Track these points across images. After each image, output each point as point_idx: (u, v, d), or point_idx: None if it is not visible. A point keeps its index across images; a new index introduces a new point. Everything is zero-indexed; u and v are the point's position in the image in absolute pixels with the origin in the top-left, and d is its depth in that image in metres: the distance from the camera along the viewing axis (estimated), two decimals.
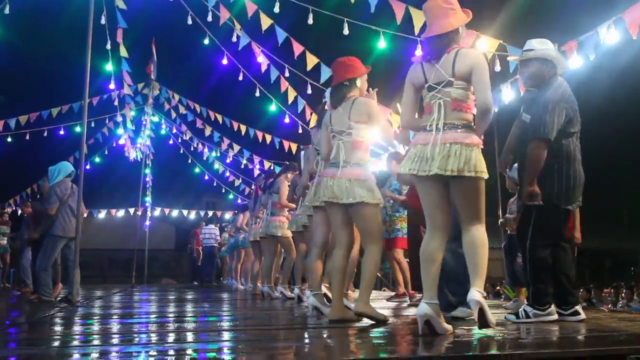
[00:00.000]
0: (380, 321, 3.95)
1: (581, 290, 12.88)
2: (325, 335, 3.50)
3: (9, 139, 14.25)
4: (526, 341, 3.13)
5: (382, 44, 7.31)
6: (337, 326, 3.83)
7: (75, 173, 7.21)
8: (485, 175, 3.27)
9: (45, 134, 14.59)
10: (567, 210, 4.14)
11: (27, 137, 14.35)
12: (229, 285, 12.00)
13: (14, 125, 13.66)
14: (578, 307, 4.09)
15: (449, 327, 3.28)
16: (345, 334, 3.51)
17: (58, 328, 4.16)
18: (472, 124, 3.33)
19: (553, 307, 3.98)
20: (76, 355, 2.72)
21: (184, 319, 4.83)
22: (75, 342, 3.28)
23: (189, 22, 9.56)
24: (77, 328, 4.17)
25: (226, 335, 3.64)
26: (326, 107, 4.91)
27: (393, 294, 7.84)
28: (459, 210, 3.35)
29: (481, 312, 3.12)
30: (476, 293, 3.15)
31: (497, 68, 6.64)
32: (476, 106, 3.34)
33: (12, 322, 4.49)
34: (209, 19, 9.18)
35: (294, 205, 6.93)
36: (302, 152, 6.68)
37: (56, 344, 3.22)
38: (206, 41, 9.86)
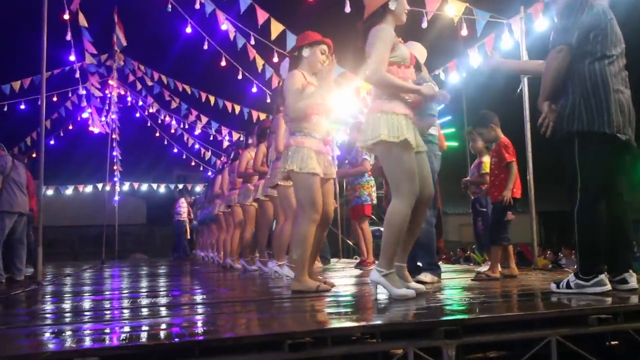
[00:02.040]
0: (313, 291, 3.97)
1: (548, 252, 13.19)
2: (285, 306, 3.51)
3: None
4: (486, 306, 3.18)
5: (347, 9, 7.21)
6: (297, 297, 3.84)
7: (3, 145, 7.07)
8: (382, 140, 3.28)
9: (6, 109, 14.17)
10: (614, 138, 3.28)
11: None
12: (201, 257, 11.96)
13: None
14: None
15: (404, 292, 3.33)
16: (304, 305, 3.52)
17: (22, 307, 4.08)
18: (382, 92, 3.42)
19: (603, 277, 3.30)
20: (47, 335, 2.66)
21: (155, 293, 4.79)
22: (41, 321, 3.22)
23: None
24: (44, 306, 4.09)
25: (199, 310, 3.62)
26: None
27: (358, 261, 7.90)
28: None
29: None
30: (374, 273, 3.38)
31: (464, 32, 6.62)
32: None
33: None
34: None
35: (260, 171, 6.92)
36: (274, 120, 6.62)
37: (20, 323, 3.16)
38: (169, 7, 9.59)
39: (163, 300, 4.11)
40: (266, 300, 3.91)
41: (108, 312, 3.56)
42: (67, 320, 3.22)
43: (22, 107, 14.14)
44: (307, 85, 4.15)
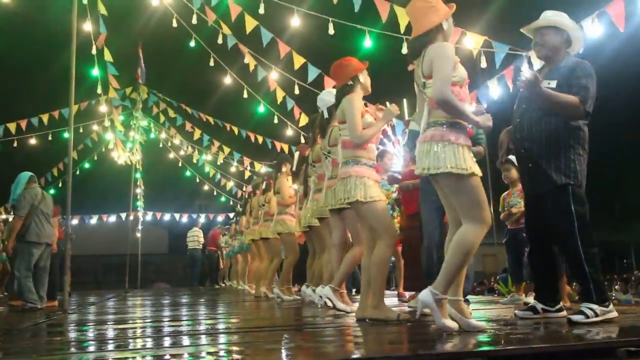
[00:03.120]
0: (393, 321, 3.90)
1: (574, 283, 12.94)
2: (326, 334, 3.51)
3: None
4: (514, 337, 3.15)
5: (367, 42, 7.33)
6: (342, 325, 3.84)
7: (36, 177, 7.26)
8: (463, 172, 3.15)
9: (34, 141, 14.51)
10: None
11: (15, 145, 14.28)
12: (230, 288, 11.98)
13: (3, 133, 13.58)
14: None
15: (449, 323, 3.16)
16: (346, 332, 3.52)
17: (50, 335, 4.14)
18: (450, 119, 3.24)
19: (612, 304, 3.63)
20: None
21: (179, 322, 4.82)
22: (67, 350, 3.26)
23: (174, 25, 9.54)
24: (70, 335, 4.15)
25: (223, 338, 3.63)
26: (325, 114, 5.01)
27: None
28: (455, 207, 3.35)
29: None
30: (426, 293, 3.16)
31: (483, 64, 6.67)
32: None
33: (1, 332, 4.46)
34: (194, 21, 9.18)
35: (294, 200, 6.99)
36: (296, 154, 6.72)
37: (48, 351, 3.21)
38: (192, 44, 9.86)
39: (185, 329, 4.13)
40: (299, 326, 3.92)
41: (131, 340, 3.60)
42: (92, 349, 3.26)
43: (50, 138, 14.48)
44: (364, 112, 4.18)
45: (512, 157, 5.86)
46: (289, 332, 3.76)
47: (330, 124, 5.04)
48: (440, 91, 3.14)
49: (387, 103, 4.50)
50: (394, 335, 3.34)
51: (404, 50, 6.26)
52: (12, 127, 13.63)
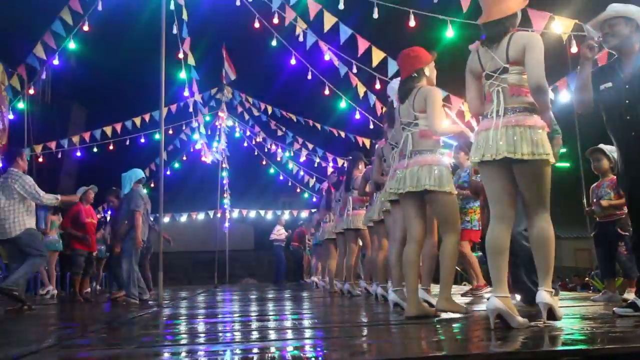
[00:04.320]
0: (462, 314, 3.89)
1: None
2: (396, 332, 3.47)
3: (95, 149, 15.02)
4: (612, 336, 2.98)
5: (449, 33, 7.17)
6: (413, 323, 3.79)
7: (145, 179, 7.55)
8: (552, 159, 3.19)
9: (128, 143, 15.26)
10: None
11: (111, 147, 15.08)
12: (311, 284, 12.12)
13: (100, 136, 14.39)
14: None
15: (524, 320, 3.17)
16: (420, 330, 3.46)
17: (146, 329, 4.34)
18: (534, 107, 3.24)
19: None
20: (166, 355, 2.83)
21: (266, 317, 4.92)
22: (162, 342, 3.41)
23: (257, 25, 9.74)
24: (164, 328, 4.34)
25: (308, 333, 3.67)
26: (395, 103, 4.94)
27: (468, 288, 7.68)
28: (525, 197, 3.28)
29: (550, 312, 3.14)
30: (545, 294, 3.12)
31: (574, 49, 6.36)
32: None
33: (103, 324, 4.73)
34: (275, 20, 9.33)
35: (367, 197, 6.95)
36: (377, 146, 6.66)
37: (144, 343, 3.36)
38: (274, 43, 10.02)
39: (272, 324, 4.21)
40: (375, 324, 3.91)
41: (221, 334, 3.71)
42: (184, 341, 3.39)
43: (142, 140, 15.19)
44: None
45: (603, 146, 5.55)
46: (371, 328, 3.75)
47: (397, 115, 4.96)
48: (539, 77, 3.14)
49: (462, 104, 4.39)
50: (483, 331, 3.26)
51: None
52: (108, 130, 14.42)
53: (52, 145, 14.12)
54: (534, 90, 3.18)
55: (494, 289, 3.24)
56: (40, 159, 13.87)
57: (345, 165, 8.87)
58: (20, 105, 11.79)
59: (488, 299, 3.32)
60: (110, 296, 8.16)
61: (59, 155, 15.15)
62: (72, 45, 10.09)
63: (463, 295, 7.13)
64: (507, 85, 3.25)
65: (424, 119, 4.06)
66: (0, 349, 3.11)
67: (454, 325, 3.62)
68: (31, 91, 11.17)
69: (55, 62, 10.38)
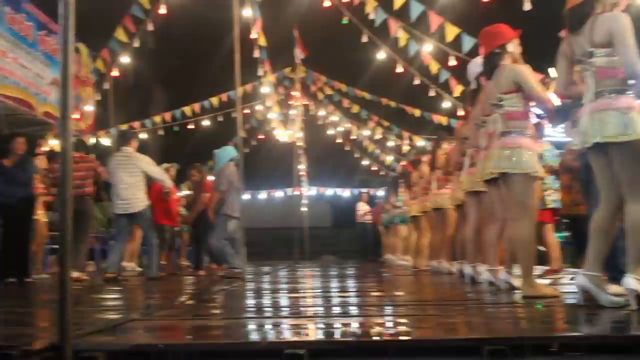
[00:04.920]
0: (551, 298, 3.73)
1: None
2: (490, 311, 3.38)
3: (176, 129, 15.51)
4: None
5: (527, 6, 6.82)
6: (503, 303, 3.68)
7: (237, 158, 7.63)
8: None
9: (206, 123, 15.67)
10: None
11: (191, 127, 15.52)
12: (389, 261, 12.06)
13: (180, 116, 14.85)
14: None
15: (616, 299, 3.03)
16: (508, 310, 3.36)
17: (231, 301, 4.45)
18: (625, 87, 3.08)
19: None
20: (251, 326, 2.88)
21: (346, 293, 4.93)
22: (246, 314, 3.48)
23: (327, 3, 9.65)
24: (247, 301, 4.44)
25: (390, 310, 3.64)
26: (475, 81, 4.80)
27: (546, 269, 7.34)
28: (619, 180, 3.11)
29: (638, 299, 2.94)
30: (633, 281, 2.95)
31: None
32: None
33: (190, 296, 4.89)
34: None
35: (454, 177, 6.79)
36: (456, 127, 6.46)
37: (230, 315, 3.44)
38: (345, 19, 9.92)
39: (354, 300, 4.21)
40: (463, 303, 3.82)
41: (303, 308, 3.74)
42: (269, 314, 3.45)
43: (220, 119, 15.54)
44: None
45: None
46: (454, 307, 3.67)
47: (480, 94, 4.77)
48: (634, 62, 3.01)
49: (550, 71, 4.18)
50: (571, 313, 3.11)
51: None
52: (187, 110, 14.85)
53: (136, 124, 14.69)
54: (630, 75, 3.06)
55: (586, 266, 3.18)
56: None
57: (420, 143, 8.74)
58: (105, 86, 12.31)
59: (573, 278, 3.21)
60: (195, 270, 8.41)
61: (142, 135, 15.76)
62: (150, 26, 10.35)
63: (540, 277, 6.87)
64: (596, 68, 3.13)
65: (509, 99, 3.92)
66: (94, 319, 3.26)
67: (543, 306, 3.48)
68: (115, 73, 11.59)
69: (136, 44, 10.71)
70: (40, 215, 7.77)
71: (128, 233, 7.48)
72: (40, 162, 7.85)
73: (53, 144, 11.08)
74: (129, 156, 7.06)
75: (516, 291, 4.04)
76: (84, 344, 2.22)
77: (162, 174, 7.44)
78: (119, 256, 7.09)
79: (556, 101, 3.90)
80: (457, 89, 10.01)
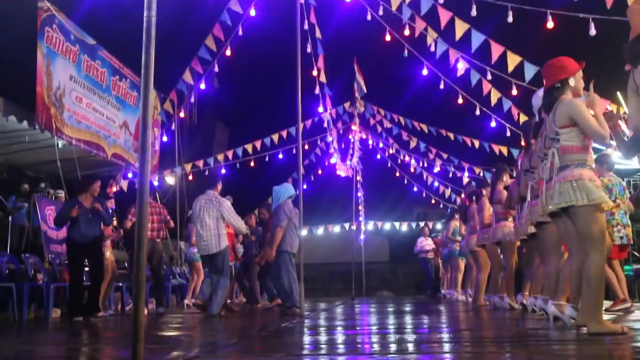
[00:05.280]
0: (619, 335, 3.63)
1: None
2: (561, 348, 3.32)
3: (237, 166, 15.92)
4: None
5: (592, 31, 6.76)
6: (565, 340, 3.61)
7: (295, 195, 7.80)
8: None
9: (267, 159, 16.01)
10: None
11: (252, 164, 15.90)
12: (449, 296, 11.87)
13: (241, 154, 15.25)
14: None
15: None
16: (575, 347, 3.29)
17: (290, 338, 4.54)
18: None
19: None
20: None
21: (404, 330, 4.93)
22: (305, 351, 3.55)
23: (387, 37, 9.82)
24: (306, 338, 4.51)
25: (447, 347, 3.64)
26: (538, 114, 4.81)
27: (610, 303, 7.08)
28: None
29: None
30: None
31: None
32: None
33: (252, 332, 5.01)
34: (406, 32, 9.34)
35: (513, 212, 6.71)
36: (519, 161, 6.42)
37: (290, 352, 3.52)
38: (406, 53, 10.05)
39: (410, 337, 4.21)
40: (526, 340, 3.77)
41: (359, 345, 3.78)
42: (324, 352, 3.51)
43: (280, 156, 15.85)
44: None
45: None
46: (516, 344, 3.63)
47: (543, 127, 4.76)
48: None
49: (592, 86, 4.12)
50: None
51: None
52: (249, 147, 15.25)
53: (200, 163, 15.17)
54: None
55: None
56: (190, 177, 14.97)
57: (481, 174, 8.62)
58: (172, 127, 12.84)
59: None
60: (253, 306, 8.56)
61: (206, 172, 16.24)
62: (216, 69, 10.82)
63: (607, 310, 6.64)
64: None
65: (565, 134, 3.92)
66: (157, 354, 3.41)
67: (613, 343, 3.40)
68: (181, 114, 12.10)
69: (202, 86, 11.19)
70: (109, 254, 8.17)
71: (213, 271, 7.62)
72: (109, 203, 8.29)
73: (122, 184, 11.64)
74: (212, 199, 7.42)
75: (582, 327, 3.95)
76: None
77: (239, 222, 7.71)
78: (219, 299, 7.31)
79: (608, 134, 3.85)
80: (522, 119, 9.92)
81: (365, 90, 15.20)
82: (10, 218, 9.67)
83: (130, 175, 12.71)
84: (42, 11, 9.20)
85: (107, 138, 11.30)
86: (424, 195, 19.70)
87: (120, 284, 9.14)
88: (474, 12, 7.68)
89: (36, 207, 9.37)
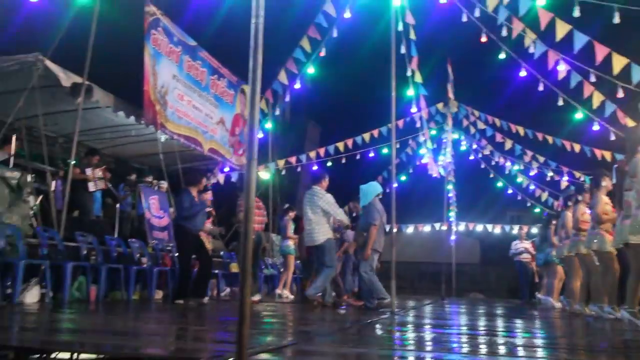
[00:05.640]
0: None
1: None
2: None
3: (329, 164, 16.18)
4: None
5: None
6: None
7: (382, 193, 7.90)
8: None
9: (358, 157, 16.17)
10: None
11: (343, 161, 16.10)
12: (544, 302, 11.52)
13: (333, 151, 15.50)
14: None
15: None
16: None
17: (378, 333, 4.65)
18: None
19: None
20: (395, 358, 3.06)
21: (495, 332, 4.91)
22: (395, 347, 3.66)
23: (483, 39, 9.67)
24: (396, 334, 4.61)
25: (541, 353, 3.62)
26: None
27: None
28: None
29: None
30: None
31: None
32: None
33: (338, 325, 5.17)
34: (504, 33, 9.17)
35: (611, 217, 6.46)
36: (614, 167, 6.21)
37: (376, 346, 3.65)
38: (502, 55, 9.86)
39: (500, 340, 4.20)
40: (619, 350, 3.69)
41: (448, 344, 3.83)
42: (411, 348, 3.59)
43: (371, 154, 15.97)
44: None
45: None
46: (607, 354, 3.55)
47: None
48: None
49: None
50: None
51: None
52: (340, 145, 15.47)
53: (292, 160, 15.58)
54: None
55: None
56: (283, 172, 15.41)
57: (582, 178, 8.33)
58: (268, 125, 13.28)
59: None
60: (337, 301, 8.71)
61: (298, 169, 16.63)
62: (310, 70, 11.09)
63: None
64: None
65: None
66: (252, 339, 3.64)
67: None
68: (276, 112, 12.49)
69: (297, 86, 11.49)
70: (208, 244, 8.65)
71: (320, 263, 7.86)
72: (207, 195, 8.74)
73: (219, 177, 12.21)
74: (315, 194, 7.69)
75: None
76: None
77: (340, 214, 7.84)
78: (318, 284, 7.54)
79: None
80: (629, 122, 9.49)
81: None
82: (118, 205, 10.42)
83: (226, 169, 13.29)
84: (148, 15, 9.84)
85: (205, 133, 11.88)
86: (518, 198, 19.14)
87: (216, 271, 9.62)
88: (577, 13, 7.43)
89: (141, 197, 10.05)
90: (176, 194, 7.85)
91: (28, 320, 4.72)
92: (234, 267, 10.91)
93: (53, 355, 2.91)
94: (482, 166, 18.44)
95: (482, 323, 6.14)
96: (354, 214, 9.47)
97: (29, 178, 7.35)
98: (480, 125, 16.36)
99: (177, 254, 7.93)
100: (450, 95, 15.84)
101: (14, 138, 8.32)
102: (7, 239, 6.43)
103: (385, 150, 15.61)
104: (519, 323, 6.26)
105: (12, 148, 8.33)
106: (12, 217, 6.89)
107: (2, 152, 8.42)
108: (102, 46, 8.69)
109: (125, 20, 11.36)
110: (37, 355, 2.72)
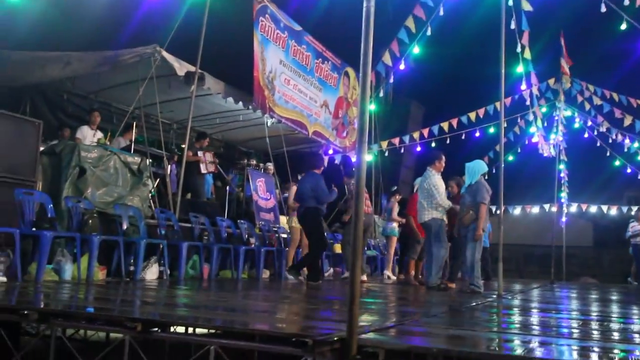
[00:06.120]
0: None
1: None
2: None
3: (433, 144, 15.98)
4: None
5: None
6: None
7: (487, 171, 7.73)
8: None
9: (463, 137, 15.83)
10: None
11: (447, 142, 15.83)
12: None
13: (437, 132, 15.30)
14: None
15: None
16: None
17: (484, 315, 4.65)
18: None
19: None
20: (501, 341, 3.08)
21: (609, 318, 4.75)
22: (502, 330, 3.67)
23: (603, 9, 9.10)
24: (502, 317, 4.59)
25: None
26: None
27: None
28: None
29: None
30: None
31: None
32: None
33: (444, 307, 5.21)
34: (626, 2, 8.60)
35: None
36: None
37: (482, 329, 3.67)
38: (623, 26, 9.25)
39: (615, 326, 4.07)
40: None
41: (557, 328, 3.78)
42: (517, 331, 3.58)
43: (477, 134, 15.59)
44: None
45: None
46: None
47: None
48: None
49: None
50: None
51: None
52: (444, 125, 15.23)
53: (395, 141, 15.54)
54: None
55: None
56: (386, 154, 15.43)
57: None
58: (371, 107, 13.34)
59: None
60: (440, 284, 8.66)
61: (401, 150, 16.58)
62: (415, 50, 10.98)
63: None
64: None
65: None
66: (363, 319, 3.78)
67: None
68: (380, 94, 12.51)
69: (401, 66, 11.42)
70: (294, 223, 8.99)
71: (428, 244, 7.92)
72: None
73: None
74: (425, 176, 7.89)
75: None
76: (367, 340, 2.61)
77: (440, 196, 7.72)
78: (435, 270, 7.69)
79: None
80: None
81: (569, 64, 14.25)
82: (228, 187, 10.96)
83: (330, 151, 13.52)
84: (256, 3, 10.18)
85: (309, 117, 12.15)
86: (639, 177, 17.93)
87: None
88: None
89: (249, 179, 10.50)
90: (309, 179, 7.88)
91: (149, 295, 5.14)
92: (337, 248, 11.15)
93: (172, 329, 3.18)
94: (598, 144, 17.39)
95: (594, 308, 5.93)
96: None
97: (147, 163, 7.93)
98: (597, 101, 15.44)
99: (314, 238, 7.94)
100: (566, 70, 15.01)
101: (134, 125, 8.95)
102: (129, 219, 7.01)
103: (492, 130, 15.19)
104: (635, 309, 5.97)
105: (132, 135, 8.98)
106: (133, 200, 7.50)
107: (124, 138, 9.12)
108: (213, 36, 9.13)
109: (234, 10, 11.81)
110: (156, 329, 2.98)
